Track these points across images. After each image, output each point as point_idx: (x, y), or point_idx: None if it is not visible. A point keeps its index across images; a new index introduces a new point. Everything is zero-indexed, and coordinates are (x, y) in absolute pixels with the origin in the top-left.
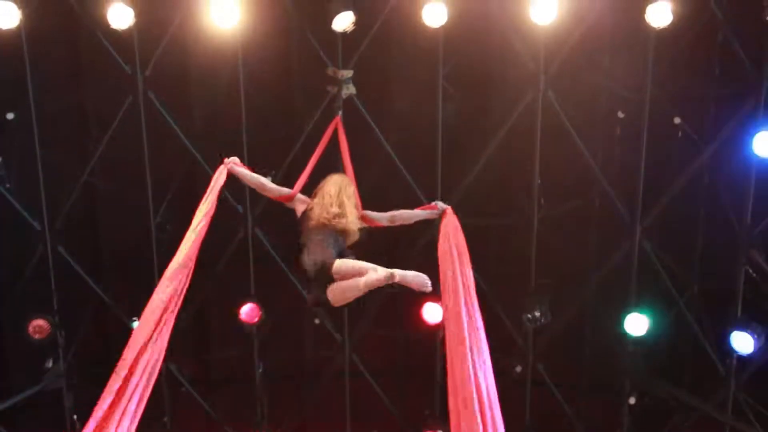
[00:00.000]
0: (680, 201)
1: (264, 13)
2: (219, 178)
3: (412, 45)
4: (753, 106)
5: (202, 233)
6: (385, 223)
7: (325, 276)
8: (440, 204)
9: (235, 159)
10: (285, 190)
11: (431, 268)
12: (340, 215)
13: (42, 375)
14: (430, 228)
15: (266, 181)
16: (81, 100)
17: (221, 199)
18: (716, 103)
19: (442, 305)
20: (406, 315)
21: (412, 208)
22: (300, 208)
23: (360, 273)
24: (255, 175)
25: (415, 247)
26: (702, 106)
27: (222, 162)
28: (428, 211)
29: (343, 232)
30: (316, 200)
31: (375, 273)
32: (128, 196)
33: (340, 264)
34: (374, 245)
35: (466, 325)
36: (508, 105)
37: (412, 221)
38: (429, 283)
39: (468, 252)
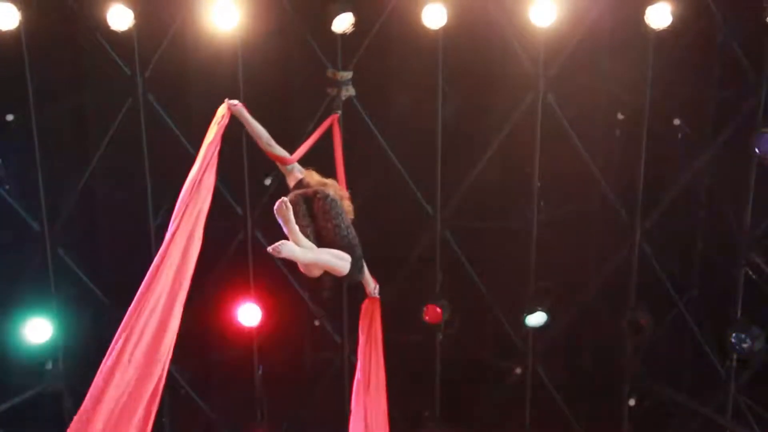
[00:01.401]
0: (680, 203)
1: (263, 14)
2: (222, 121)
3: (411, 47)
4: (753, 107)
5: (215, 164)
6: None
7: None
8: (377, 289)
9: (239, 103)
10: (285, 152)
11: (426, 276)
12: (335, 184)
13: (41, 377)
14: (424, 236)
15: (269, 136)
16: (80, 101)
17: (221, 199)
18: (716, 104)
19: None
20: (405, 316)
21: (411, 211)
22: (295, 177)
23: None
24: (259, 126)
25: (409, 257)
26: (702, 108)
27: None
28: (370, 279)
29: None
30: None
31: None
32: (128, 197)
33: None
34: (370, 254)
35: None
36: (508, 107)
37: None
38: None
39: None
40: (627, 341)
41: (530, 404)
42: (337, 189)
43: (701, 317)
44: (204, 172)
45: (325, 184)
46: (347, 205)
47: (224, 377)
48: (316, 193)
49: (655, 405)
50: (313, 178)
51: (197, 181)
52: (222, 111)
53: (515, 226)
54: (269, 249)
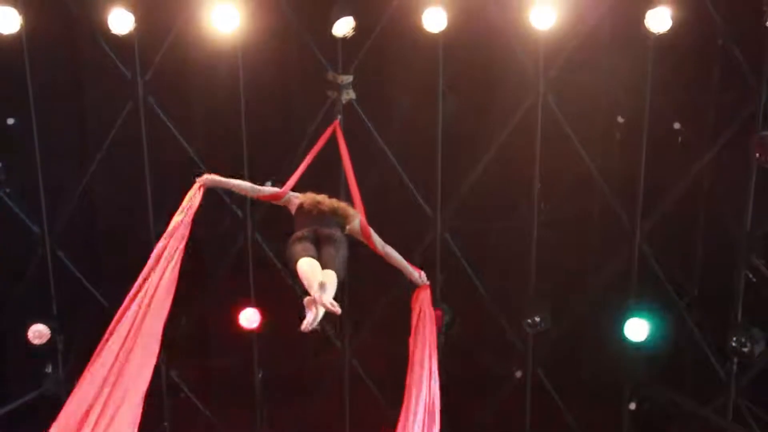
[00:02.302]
0: (680, 206)
1: (264, 18)
2: (194, 199)
3: (412, 50)
4: (752, 111)
5: (178, 262)
6: (378, 248)
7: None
8: (423, 276)
9: (208, 175)
10: (275, 189)
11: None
12: (326, 199)
13: (41, 380)
14: (424, 239)
15: (253, 185)
16: (81, 104)
17: (221, 203)
18: (716, 108)
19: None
20: (406, 321)
21: (411, 213)
22: (294, 204)
23: (308, 283)
24: (239, 181)
25: (407, 259)
26: (702, 111)
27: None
28: (411, 269)
29: (337, 214)
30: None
31: (312, 295)
32: (128, 201)
33: (302, 264)
34: (369, 259)
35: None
36: (508, 110)
37: (393, 264)
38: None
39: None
40: (627, 344)
41: (530, 407)
42: (331, 204)
43: (702, 320)
44: (165, 268)
45: (320, 203)
46: (344, 208)
47: (224, 383)
48: (321, 231)
49: (656, 408)
50: (308, 198)
51: (160, 277)
52: (192, 193)
53: (515, 229)
54: (334, 309)
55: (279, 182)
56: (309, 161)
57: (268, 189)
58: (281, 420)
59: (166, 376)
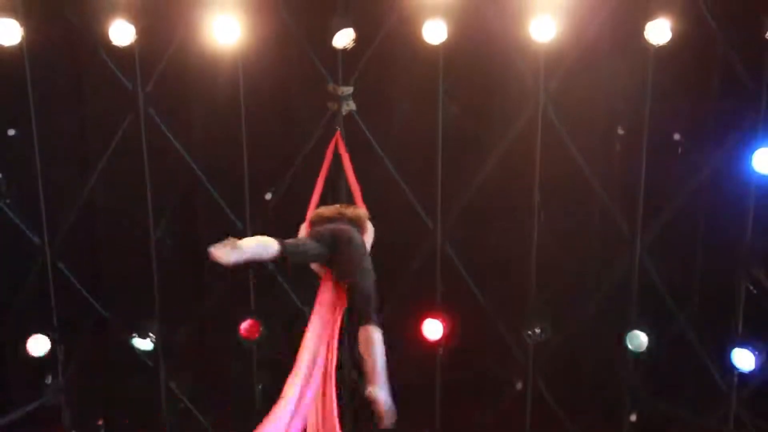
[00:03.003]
0: (680, 217)
1: (264, 29)
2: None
3: (412, 62)
4: (752, 122)
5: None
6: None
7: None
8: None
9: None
10: (305, 228)
11: (424, 288)
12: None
13: (41, 390)
14: (424, 249)
15: (312, 258)
16: (82, 115)
17: (220, 213)
18: (716, 119)
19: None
20: (405, 332)
21: (410, 219)
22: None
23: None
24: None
25: (408, 269)
26: (701, 123)
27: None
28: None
29: (346, 215)
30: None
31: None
32: (128, 211)
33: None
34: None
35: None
36: (509, 121)
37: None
38: None
39: None
40: (628, 355)
41: (530, 418)
42: (335, 209)
43: (702, 331)
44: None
45: (321, 213)
46: (353, 210)
47: (224, 393)
48: (340, 233)
49: (657, 419)
50: (313, 213)
51: None
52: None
53: (516, 239)
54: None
55: (279, 193)
56: (322, 183)
57: (306, 238)
58: None
59: (166, 387)
